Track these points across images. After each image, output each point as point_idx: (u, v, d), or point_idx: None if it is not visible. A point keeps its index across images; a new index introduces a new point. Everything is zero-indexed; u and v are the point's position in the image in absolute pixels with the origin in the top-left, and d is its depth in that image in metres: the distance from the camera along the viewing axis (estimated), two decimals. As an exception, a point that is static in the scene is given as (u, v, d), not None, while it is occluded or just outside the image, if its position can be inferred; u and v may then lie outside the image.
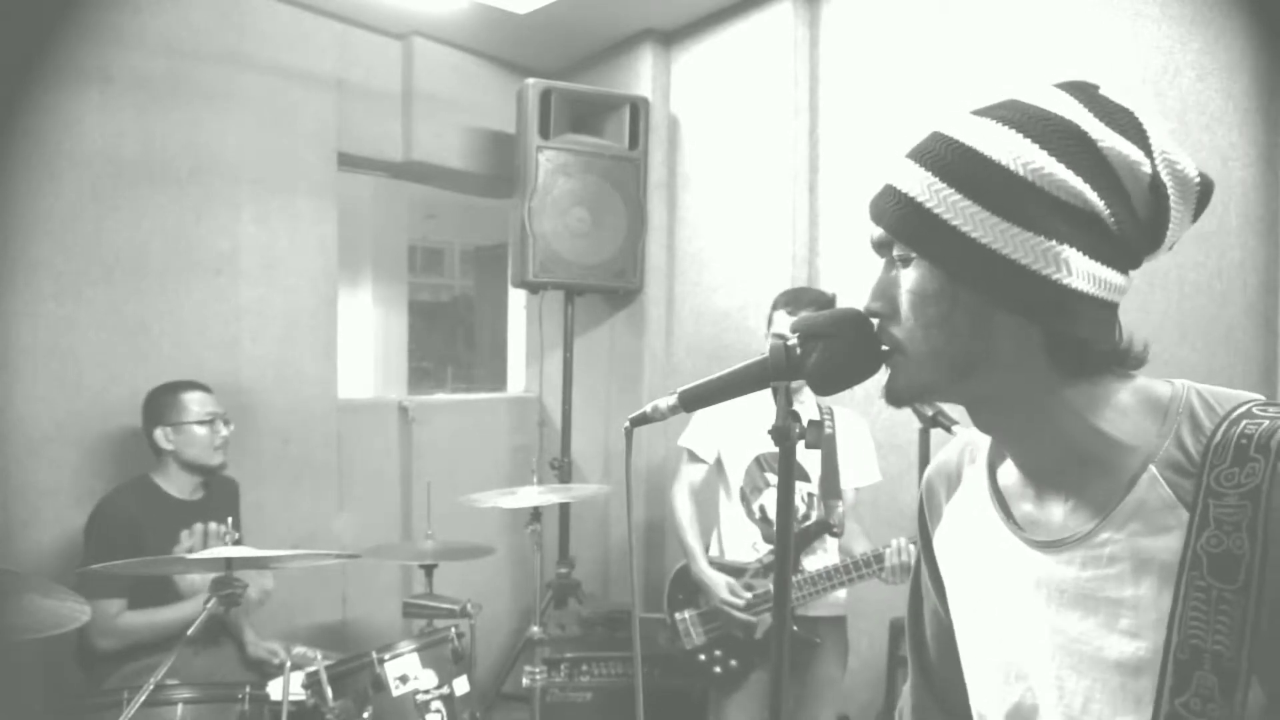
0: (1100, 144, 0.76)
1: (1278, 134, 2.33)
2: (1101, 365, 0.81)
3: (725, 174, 3.61)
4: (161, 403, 2.64)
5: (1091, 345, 0.80)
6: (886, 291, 0.85)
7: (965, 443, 0.99)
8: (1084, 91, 0.80)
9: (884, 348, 0.86)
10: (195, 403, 2.65)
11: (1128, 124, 0.78)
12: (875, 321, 0.87)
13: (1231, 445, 0.75)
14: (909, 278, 0.83)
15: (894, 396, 0.87)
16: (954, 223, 0.78)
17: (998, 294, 0.79)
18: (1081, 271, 0.77)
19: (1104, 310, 0.80)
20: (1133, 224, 0.78)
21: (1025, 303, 0.78)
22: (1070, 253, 0.76)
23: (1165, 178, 0.77)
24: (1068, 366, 0.80)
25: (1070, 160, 0.76)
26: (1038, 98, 0.80)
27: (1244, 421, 0.76)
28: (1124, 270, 0.80)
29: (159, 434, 2.61)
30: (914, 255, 0.82)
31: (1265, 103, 2.35)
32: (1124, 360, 0.82)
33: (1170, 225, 0.79)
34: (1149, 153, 0.77)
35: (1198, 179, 0.79)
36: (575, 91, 3.60)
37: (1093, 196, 0.76)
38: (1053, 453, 0.84)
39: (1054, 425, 0.82)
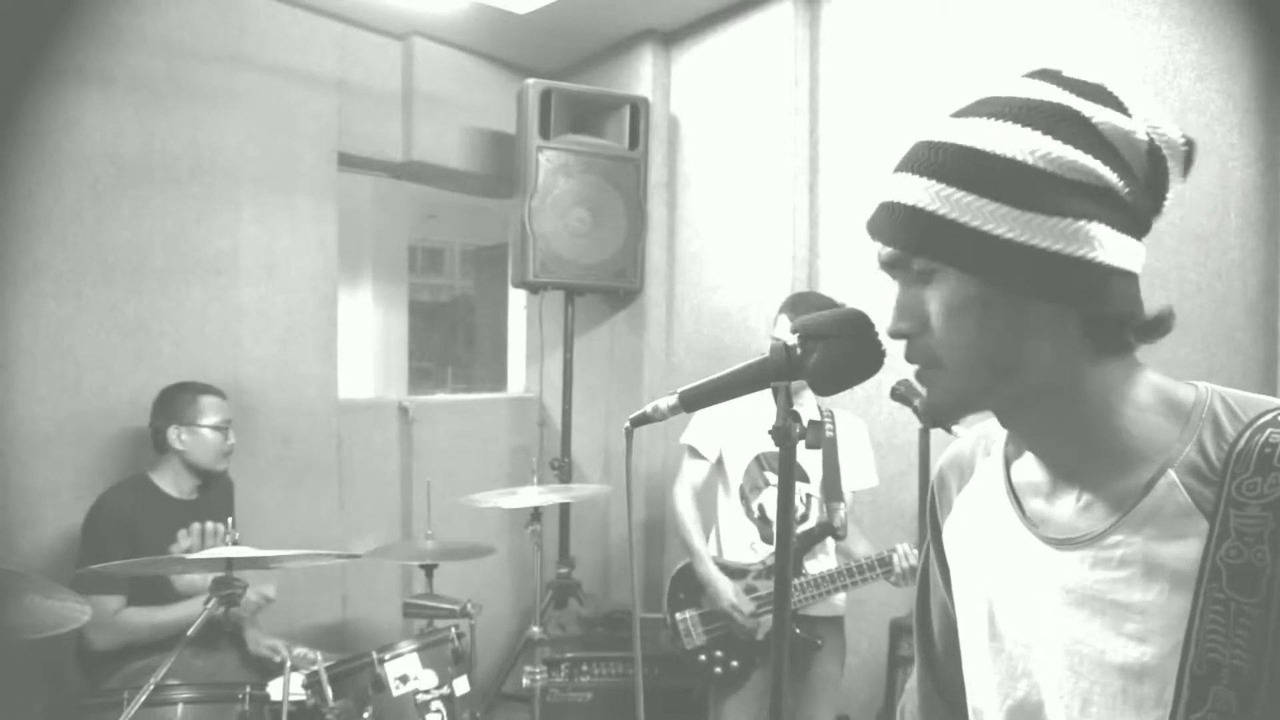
0: (1094, 120, 0.77)
1: (1278, 134, 2.33)
2: (1140, 336, 0.81)
3: (725, 174, 3.61)
4: (179, 401, 2.65)
5: (1131, 318, 0.79)
6: (914, 310, 0.82)
7: (980, 434, 0.98)
8: (1055, 76, 0.80)
9: (917, 366, 0.84)
10: (212, 408, 2.68)
11: (1106, 98, 0.79)
12: (903, 341, 0.84)
13: (1255, 454, 0.73)
14: (939, 291, 0.80)
15: (937, 413, 0.85)
16: (973, 224, 0.77)
17: (1036, 286, 0.77)
18: (1111, 244, 0.77)
19: (1131, 282, 0.80)
20: (1140, 191, 0.79)
21: (1063, 288, 0.77)
22: (1098, 228, 0.76)
23: (1158, 143, 0.78)
24: (1104, 344, 0.80)
25: (1075, 141, 0.76)
26: (1015, 89, 0.80)
27: (1269, 430, 0.74)
28: (1140, 239, 0.80)
29: (172, 432, 2.62)
30: (937, 266, 0.80)
31: (1265, 103, 2.35)
32: (1155, 330, 0.81)
33: (1169, 187, 0.80)
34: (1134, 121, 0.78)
35: (1183, 141, 0.79)
36: (575, 91, 3.60)
37: (1105, 171, 0.76)
38: (1070, 448, 0.84)
39: (1078, 418, 0.81)
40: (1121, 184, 0.77)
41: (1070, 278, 0.76)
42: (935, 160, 0.79)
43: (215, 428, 2.66)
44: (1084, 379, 0.80)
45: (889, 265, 0.84)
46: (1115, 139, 0.77)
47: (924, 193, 0.79)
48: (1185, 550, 0.75)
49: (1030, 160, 0.76)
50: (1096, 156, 0.76)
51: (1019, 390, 0.83)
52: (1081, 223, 0.76)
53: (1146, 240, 0.82)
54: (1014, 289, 0.78)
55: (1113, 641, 0.79)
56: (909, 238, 0.81)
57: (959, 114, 0.81)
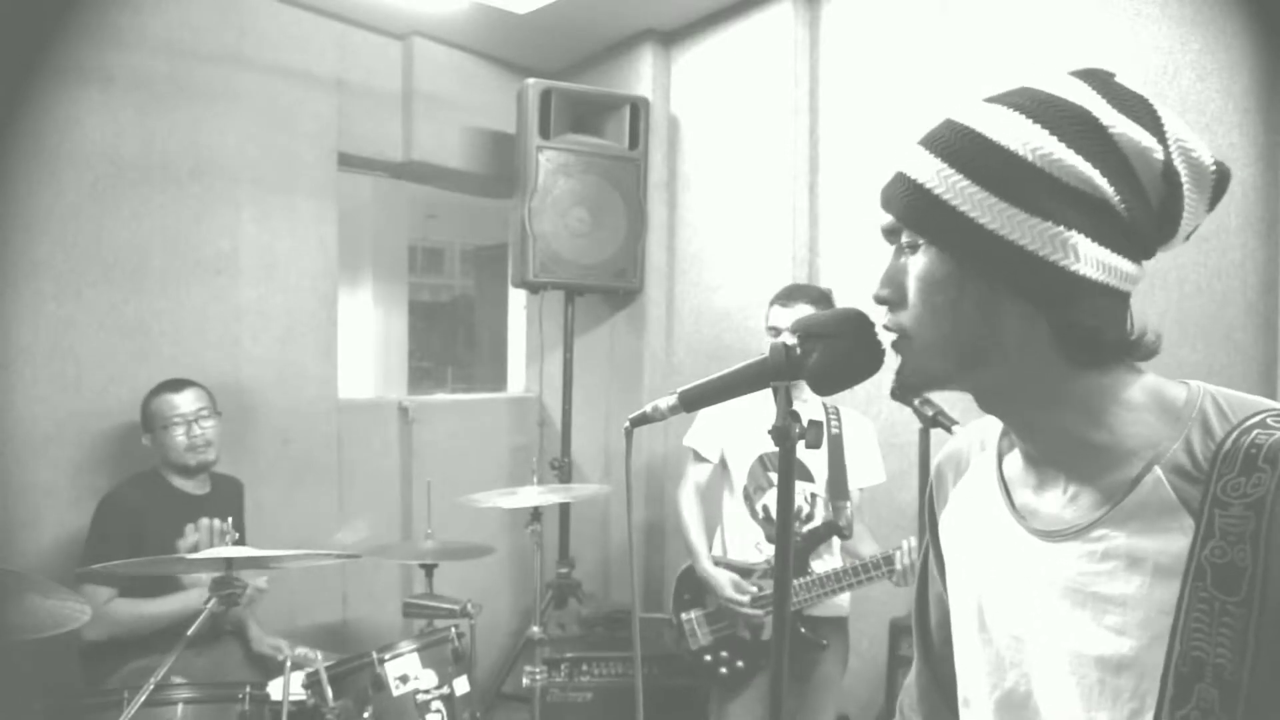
0: (1111, 130, 0.75)
1: (1278, 134, 2.33)
2: (1111, 355, 0.80)
3: (725, 174, 3.61)
4: (146, 408, 2.67)
5: (1100, 334, 0.79)
6: (895, 278, 0.85)
7: (978, 429, 0.99)
8: (1098, 78, 0.79)
9: (892, 336, 0.86)
10: (167, 406, 2.64)
11: (1142, 111, 0.77)
12: (883, 310, 0.87)
13: (1241, 454, 0.74)
14: (917, 264, 0.82)
15: (903, 386, 0.87)
16: (962, 208, 0.78)
17: (1005, 280, 0.78)
18: (1090, 258, 0.76)
19: (1113, 299, 0.79)
20: (1145, 211, 0.77)
21: (1032, 289, 0.77)
22: (1078, 239, 0.75)
23: (1179, 165, 0.76)
24: (1076, 355, 0.79)
25: (1080, 146, 0.75)
26: (1050, 84, 0.79)
27: (1256, 431, 0.74)
28: (1136, 260, 0.79)
29: (144, 439, 2.67)
30: (922, 241, 0.82)
31: (1265, 103, 2.35)
32: (1133, 350, 0.81)
33: (1185, 213, 0.77)
34: (1163, 140, 0.76)
35: (1213, 167, 0.78)
36: (575, 91, 3.60)
37: (1102, 183, 0.75)
38: (1056, 443, 0.84)
39: (1059, 417, 0.82)
40: (1118, 199, 0.76)
41: (1038, 279, 0.76)
42: (947, 140, 0.80)
43: (172, 425, 2.62)
44: (1058, 386, 0.81)
45: (887, 232, 0.86)
46: (1130, 152, 0.76)
47: (928, 170, 0.80)
48: (1168, 545, 0.76)
49: (1028, 156, 0.76)
50: (1097, 166, 0.75)
51: (989, 381, 0.84)
52: (1060, 229, 0.75)
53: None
54: (984, 277, 0.79)
55: (1094, 633, 0.79)
56: (903, 210, 0.83)
57: (990, 99, 0.81)
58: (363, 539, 3.02)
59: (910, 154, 0.83)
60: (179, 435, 2.63)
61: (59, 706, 2.13)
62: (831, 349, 0.88)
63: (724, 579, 2.56)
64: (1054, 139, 0.76)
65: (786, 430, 0.91)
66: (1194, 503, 0.75)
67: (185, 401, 2.66)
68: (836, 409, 2.63)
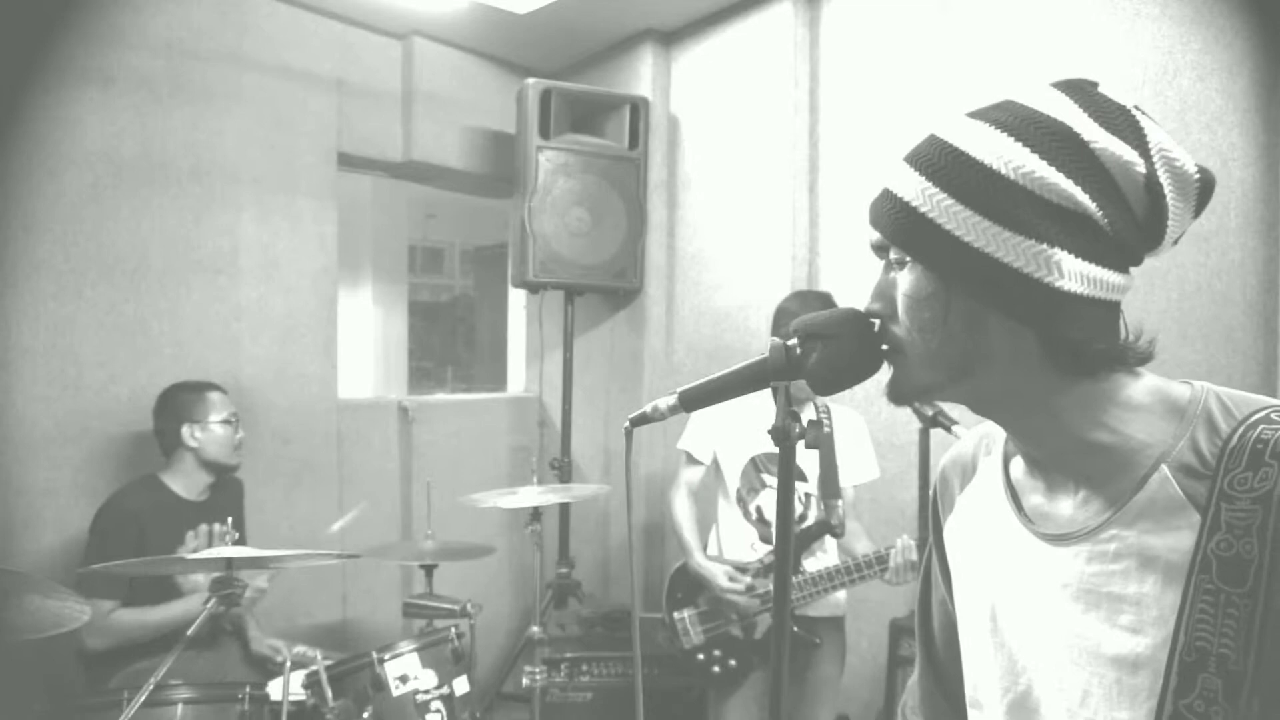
0: (1093, 145, 0.76)
1: (1278, 134, 2.33)
2: (1102, 364, 0.81)
3: (725, 174, 3.61)
4: (186, 400, 2.67)
5: (1088, 345, 0.79)
6: (886, 293, 0.86)
7: (982, 434, 0.99)
8: (1080, 90, 0.80)
9: (885, 348, 0.87)
10: (219, 403, 2.70)
11: (1123, 122, 0.78)
12: (876, 322, 0.88)
13: (1247, 449, 0.75)
14: (905, 280, 0.83)
15: (896, 396, 0.88)
16: (946, 227, 0.79)
17: (990, 297, 0.79)
18: (1074, 273, 0.77)
19: (1101, 310, 0.80)
20: (1129, 223, 0.78)
21: (1017, 305, 0.78)
22: (1061, 255, 0.76)
23: (1162, 175, 0.77)
24: (1066, 366, 0.80)
25: (1061, 162, 0.76)
26: (1032, 98, 0.80)
27: (1261, 426, 0.76)
28: (1123, 269, 0.80)
29: (185, 430, 2.64)
30: (909, 258, 0.83)
31: (1265, 103, 2.35)
32: (1125, 358, 0.82)
33: (1169, 222, 0.79)
34: (1145, 151, 0.77)
35: (1197, 175, 0.79)
36: (575, 91, 3.60)
37: (1084, 198, 0.76)
38: (1058, 448, 0.85)
39: (1057, 423, 0.83)
40: (1101, 213, 0.76)
41: (1023, 296, 0.77)
42: (931, 158, 0.81)
43: (225, 422, 2.69)
44: (1052, 394, 0.82)
45: (876, 248, 0.88)
46: (1111, 165, 0.76)
47: (913, 188, 0.81)
48: (1177, 542, 0.76)
49: (1009, 174, 0.77)
50: (1078, 181, 0.76)
51: (982, 392, 0.85)
52: (1043, 246, 0.76)
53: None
54: (970, 294, 0.80)
55: (1108, 634, 0.80)
56: (889, 227, 0.84)
57: (972, 113, 0.82)
58: (352, 521, 2.99)
59: (896, 171, 0.84)
60: (229, 432, 2.69)
61: (59, 707, 2.13)
62: (831, 349, 0.88)
63: (717, 570, 2.56)
64: (1035, 156, 0.77)
65: (786, 430, 0.91)
66: (1201, 499, 0.76)
67: (231, 403, 2.75)
68: (827, 407, 2.63)
